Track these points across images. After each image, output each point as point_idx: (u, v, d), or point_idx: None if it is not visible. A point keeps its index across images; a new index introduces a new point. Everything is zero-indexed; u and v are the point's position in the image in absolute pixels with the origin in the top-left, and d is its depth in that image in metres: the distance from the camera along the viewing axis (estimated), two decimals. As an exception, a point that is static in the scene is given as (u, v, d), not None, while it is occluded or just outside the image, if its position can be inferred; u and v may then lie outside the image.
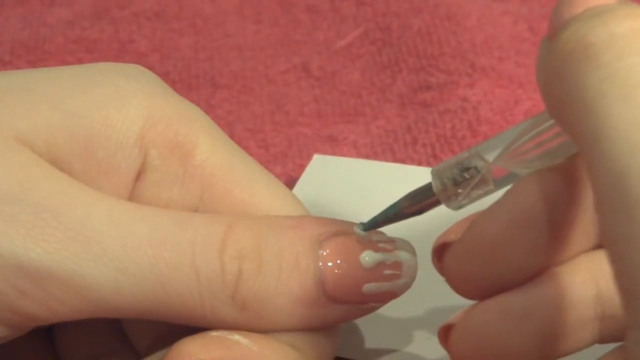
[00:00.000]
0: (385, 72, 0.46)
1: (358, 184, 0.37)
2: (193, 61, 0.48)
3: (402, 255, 0.27)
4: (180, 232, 0.25)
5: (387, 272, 0.26)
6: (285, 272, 0.26)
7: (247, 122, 0.44)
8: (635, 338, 0.20)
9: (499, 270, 0.25)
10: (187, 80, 0.46)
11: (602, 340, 0.26)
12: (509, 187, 0.26)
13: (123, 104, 0.27)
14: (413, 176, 0.38)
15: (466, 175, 0.26)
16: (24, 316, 0.24)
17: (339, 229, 0.27)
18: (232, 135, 0.42)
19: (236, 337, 0.25)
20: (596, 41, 0.21)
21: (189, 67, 0.47)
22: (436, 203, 0.27)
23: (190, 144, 0.27)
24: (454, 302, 0.34)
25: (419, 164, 0.40)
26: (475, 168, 0.26)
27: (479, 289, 0.26)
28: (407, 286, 0.27)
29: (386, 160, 0.41)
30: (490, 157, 0.26)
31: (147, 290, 0.24)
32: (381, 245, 0.27)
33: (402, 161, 0.41)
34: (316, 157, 0.40)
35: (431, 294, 0.34)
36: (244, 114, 0.44)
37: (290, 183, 0.39)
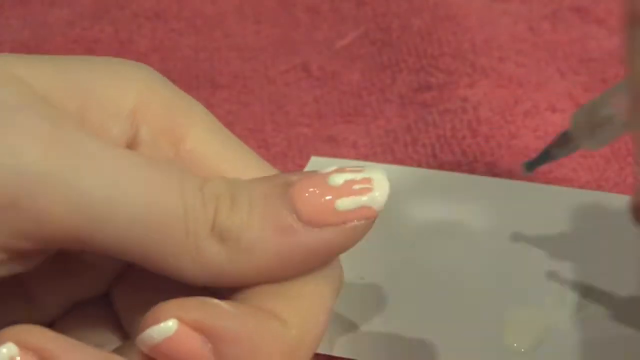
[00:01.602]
0: (385, 72, 0.46)
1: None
2: (193, 61, 0.48)
3: (371, 172, 0.27)
4: (170, 166, 0.26)
5: (357, 186, 0.26)
6: (256, 203, 0.26)
7: (247, 122, 0.44)
8: None
9: None
10: (187, 80, 0.46)
11: None
12: None
13: (120, 81, 0.27)
14: (410, 177, 0.38)
15: (599, 117, 0.31)
16: (17, 233, 0.24)
17: (308, 174, 0.27)
18: (232, 136, 0.42)
19: (216, 301, 0.25)
20: None
21: (189, 67, 0.47)
22: (575, 145, 0.32)
23: (183, 129, 0.28)
24: (458, 304, 0.34)
25: (419, 164, 0.40)
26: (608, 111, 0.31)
27: None
28: (381, 199, 0.26)
29: (386, 160, 0.41)
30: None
31: (138, 211, 0.24)
32: (348, 168, 0.27)
33: (402, 161, 0.41)
34: (313, 159, 0.40)
35: (436, 299, 0.34)
36: (244, 114, 0.44)
37: (290, 183, 0.39)
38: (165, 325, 0.24)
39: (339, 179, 0.26)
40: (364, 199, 0.26)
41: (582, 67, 0.45)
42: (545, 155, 0.33)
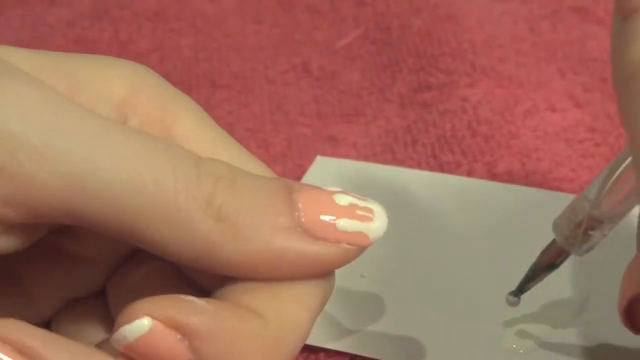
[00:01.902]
0: (385, 72, 0.46)
1: (359, 186, 0.37)
2: (193, 61, 0.48)
3: (373, 203, 0.27)
4: (162, 141, 0.25)
5: (359, 212, 0.26)
6: (260, 193, 0.26)
7: (247, 122, 0.44)
8: None
9: None
10: (187, 80, 0.46)
11: None
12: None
13: (110, 71, 0.27)
14: (414, 179, 0.38)
15: (577, 222, 0.29)
16: (3, 199, 0.24)
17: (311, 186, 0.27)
18: (231, 136, 0.42)
19: (191, 298, 0.25)
20: None
21: (189, 67, 0.47)
22: (564, 254, 0.30)
23: (171, 119, 0.27)
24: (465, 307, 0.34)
25: (419, 164, 0.40)
26: (583, 213, 0.29)
27: None
28: (380, 231, 0.27)
29: (386, 160, 0.41)
30: (592, 196, 0.29)
31: (126, 180, 0.24)
32: (353, 193, 0.27)
33: (402, 161, 0.41)
34: (319, 159, 0.40)
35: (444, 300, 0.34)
36: (243, 114, 0.44)
37: (290, 183, 0.39)
38: (139, 324, 0.24)
39: (344, 200, 0.26)
40: (363, 225, 0.26)
41: (582, 67, 0.45)
42: (531, 275, 0.31)
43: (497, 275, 0.34)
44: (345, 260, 0.26)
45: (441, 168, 0.40)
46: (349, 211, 0.26)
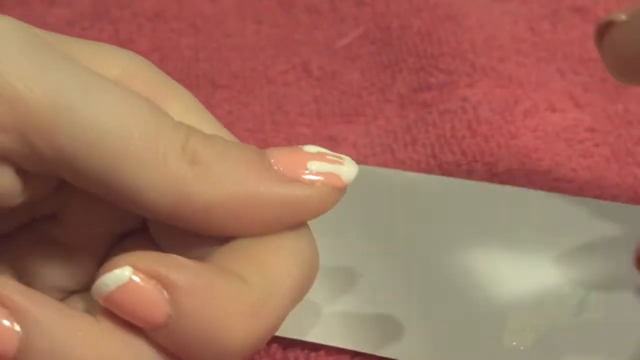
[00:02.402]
0: (385, 72, 0.46)
1: (356, 189, 0.37)
2: (193, 61, 0.48)
3: (344, 155, 0.28)
4: (141, 96, 0.26)
5: (329, 157, 0.28)
6: (233, 144, 0.27)
7: (247, 122, 0.44)
8: None
9: None
10: (187, 80, 0.46)
11: None
12: None
13: (105, 54, 0.28)
14: (411, 182, 0.38)
15: None
16: None
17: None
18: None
19: (174, 255, 0.25)
20: None
21: (189, 67, 0.47)
22: None
23: (164, 104, 0.28)
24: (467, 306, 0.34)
25: (419, 164, 0.40)
26: None
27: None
28: (350, 174, 0.28)
29: (386, 160, 0.41)
30: None
31: (106, 115, 0.25)
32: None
33: (402, 161, 0.41)
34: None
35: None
36: (243, 114, 0.44)
37: (290, 183, 0.39)
38: (120, 272, 0.24)
39: (313, 149, 0.28)
40: (334, 166, 0.27)
41: (582, 67, 0.45)
42: None
43: (497, 275, 0.34)
44: (321, 203, 0.27)
45: (441, 168, 0.40)
46: (320, 156, 0.27)
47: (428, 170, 0.40)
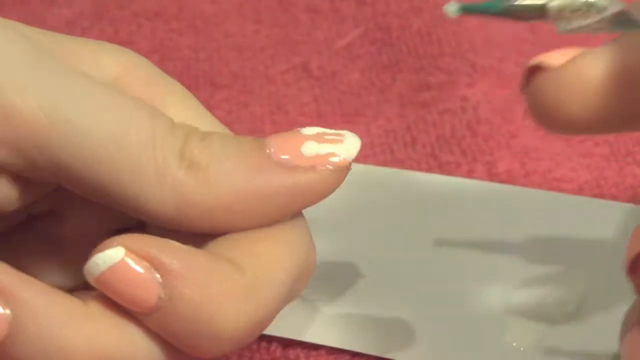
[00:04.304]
0: (385, 72, 0.46)
1: (356, 188, 0.37)
2: (193, 61, 0.48)
3: (344, 131, 0.27)
4: (140, 101, 0.26)
5: (328, 137, 0.27)
6: (229, 142, 0.26)
7: (246, 122, 0.44)
8: None
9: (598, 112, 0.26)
10: (187, 81, 0.46)
11: None
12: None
13: (102, 53, 0.28)
14: (411, 181, 0.38)
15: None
16: None
17: None
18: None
19: (170, 240, 0.25)
20: None
21: (189, 67, 0.47)
22: (543, 15, 0.27)
23: (161, 102, 0.28)
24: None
25: (419, 164, 0.40)
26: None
27: (567, 125, 0.26)
28: (351, 151, 0.27)
29: (385, 160, 0.41)
30: None
31: (103, 124, 0.25)
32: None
33: (402, 161, 0.41)
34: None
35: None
36: (243, 114, 0.44)
37: (290, 183, 0.39)
38: (112, 252, 0.24)
39: (311, 131, 0.27)
40: (334, 146, 0.27)
41: (582, 67, 0.45)
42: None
43: (497, 275, 0.34)
44: (325, 186, 0.27)
45: (441, 168, 0.40)
46: (318, 137, 0.27)
47: (428, 170, 0.40)
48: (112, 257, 0.24)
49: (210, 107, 0.45)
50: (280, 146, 0.26)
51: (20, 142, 0.24)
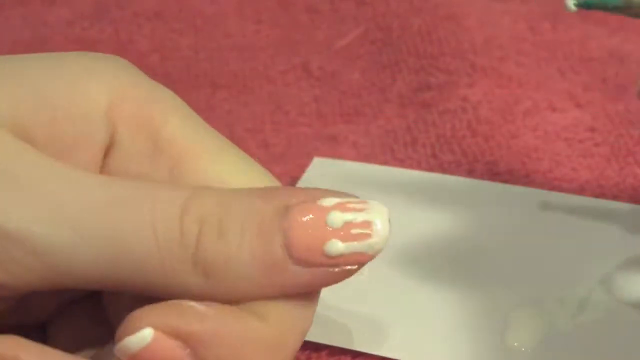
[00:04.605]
0: (385, 72, 0.46)
1: (357, 187, 0.37)
2: (193, 61, 0.48)
3: (374, 214, 0.26)
4: (142, 196, 0.25)
5: (355, 231, 0.25)
6: (248, 236, 0.25)
7: (246, 122, 0.44)
8: None
9: None
10: (187, 80, 0.46)
11: None
12: None
13: (89, 81, 0.27)
14: (412, 180, 0.38)
15: None
16: None
17: (308, 197, 0.26)
18: (231, 136, 0.42)
19: (192, 303, 0.25)
20: None
21: (189, 67, 0.47)
22: None
23: (159, 120, 0.27)
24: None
25: (419, 163, 0.40)
26: None
27: None
28: (378, 247, 0.25)
29: (386, 160, 0.41)
30: None
31: (106, 252, 0.24)
32: (351, 206, 0.26)
33: (402, 161, 0.41)
34: (316, 160, 0.40)
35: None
36: (243, 114, 0.44)
37: (291, 183, 0.39)
38: (141, 335, 0.24)
39: (338, 220, 0.25)
40: (360, 245, 0.25)
41: (582, 66, 0.45)
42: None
43: (497, 275, 0.34)
44: (343, 278, 0.26)
45: (441, 168, 0.40)
46: (344, 233, 0.25)
47: (428, 170, 0.40)
48: (142, 339, 0.24)
49: (210, 107, 0.45)
50: (303, 242, 0.25)
51: (22, 288, 0.25)
